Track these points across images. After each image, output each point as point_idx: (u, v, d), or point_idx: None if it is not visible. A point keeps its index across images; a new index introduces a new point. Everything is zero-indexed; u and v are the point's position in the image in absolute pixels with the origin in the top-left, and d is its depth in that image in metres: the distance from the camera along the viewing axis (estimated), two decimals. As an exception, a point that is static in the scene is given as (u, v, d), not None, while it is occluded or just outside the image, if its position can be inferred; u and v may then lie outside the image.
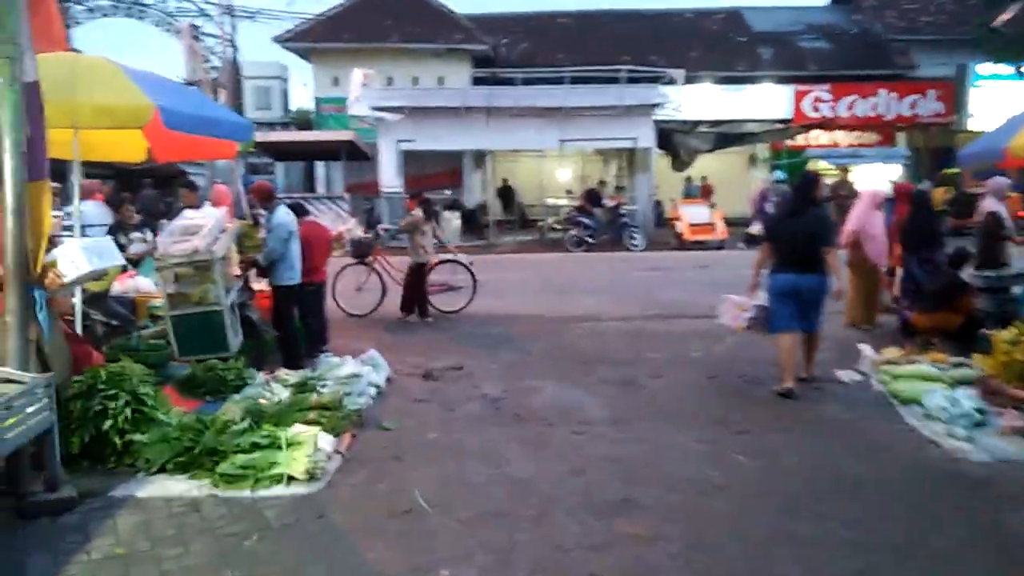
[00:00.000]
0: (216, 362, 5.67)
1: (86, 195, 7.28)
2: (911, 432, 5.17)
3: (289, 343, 6.87)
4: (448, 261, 9.85)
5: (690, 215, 17.95)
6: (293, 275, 6.84)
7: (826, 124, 23.55)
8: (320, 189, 24.21)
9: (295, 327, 6.95)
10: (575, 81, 19.88)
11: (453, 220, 19.12)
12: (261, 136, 20.98)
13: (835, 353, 7.13)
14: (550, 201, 20.79)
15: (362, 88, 18.20)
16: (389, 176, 19.57)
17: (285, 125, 28.21)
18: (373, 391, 5.98)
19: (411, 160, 20.87)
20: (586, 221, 17.78)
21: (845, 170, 19.74)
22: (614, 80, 19.92)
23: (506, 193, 24.56)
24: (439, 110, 19.30)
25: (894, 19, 26.60)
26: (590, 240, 17.63)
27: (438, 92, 20.97)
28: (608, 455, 4.80)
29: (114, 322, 6.23)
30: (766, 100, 23.99)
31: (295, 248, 6.87)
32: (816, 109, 23.92)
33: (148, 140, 6.18)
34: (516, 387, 6.41)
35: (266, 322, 6.95)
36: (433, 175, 22.68)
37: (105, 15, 27.65)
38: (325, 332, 7.72)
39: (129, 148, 6.40)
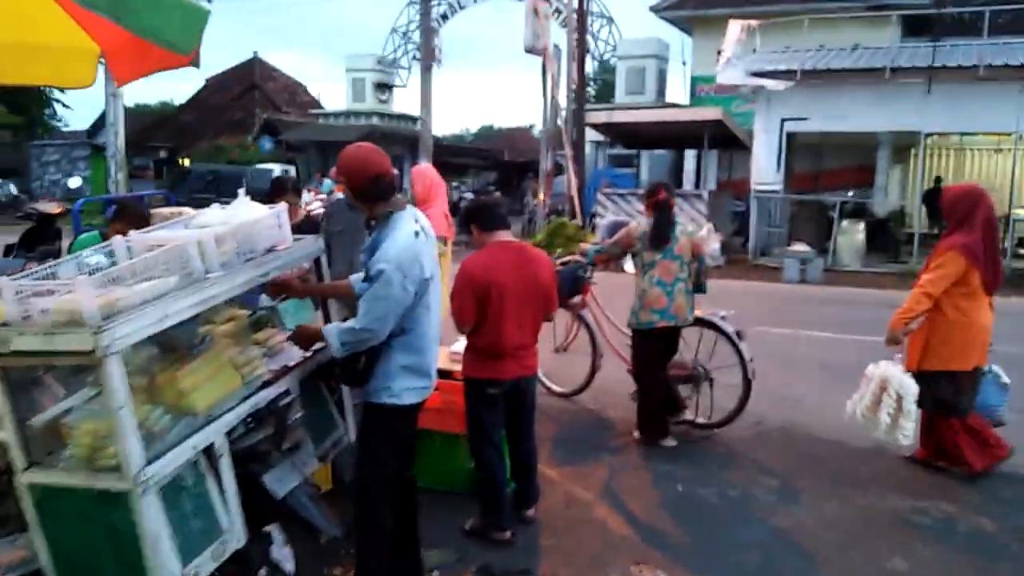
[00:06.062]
0: None
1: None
2: None
3: (372, 554, 2.78)
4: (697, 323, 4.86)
5: None
6: (404, 387, 2.74)
7: None
8: (687, 186, 19.85)
9: (387, 512, 2.79)
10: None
11: (855, 234, 13.48)
12: (600, 117, 17.25)
13: None
14: (1019, 212, 13.68)
15: (737, 46, 13.40)
16: (765, 168, 14.31)
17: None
18: None
19: (801, 151, 15.58)
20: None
21: None
22: None
23: (938, 197, 17.67)
24: (849, 76, 13.60)
25: None
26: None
27: (849, 53, 14.97)
28: None
29: None
30: None
31: (428, 316, 2.79)
32: None
33: (102, 44, 2.82)
34: None
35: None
36: (834, 171, 17.17)
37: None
38: (532, 485, 3.64)
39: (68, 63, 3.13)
